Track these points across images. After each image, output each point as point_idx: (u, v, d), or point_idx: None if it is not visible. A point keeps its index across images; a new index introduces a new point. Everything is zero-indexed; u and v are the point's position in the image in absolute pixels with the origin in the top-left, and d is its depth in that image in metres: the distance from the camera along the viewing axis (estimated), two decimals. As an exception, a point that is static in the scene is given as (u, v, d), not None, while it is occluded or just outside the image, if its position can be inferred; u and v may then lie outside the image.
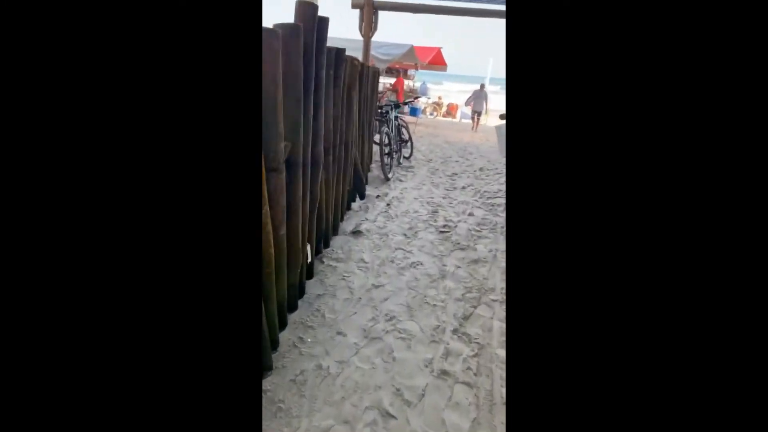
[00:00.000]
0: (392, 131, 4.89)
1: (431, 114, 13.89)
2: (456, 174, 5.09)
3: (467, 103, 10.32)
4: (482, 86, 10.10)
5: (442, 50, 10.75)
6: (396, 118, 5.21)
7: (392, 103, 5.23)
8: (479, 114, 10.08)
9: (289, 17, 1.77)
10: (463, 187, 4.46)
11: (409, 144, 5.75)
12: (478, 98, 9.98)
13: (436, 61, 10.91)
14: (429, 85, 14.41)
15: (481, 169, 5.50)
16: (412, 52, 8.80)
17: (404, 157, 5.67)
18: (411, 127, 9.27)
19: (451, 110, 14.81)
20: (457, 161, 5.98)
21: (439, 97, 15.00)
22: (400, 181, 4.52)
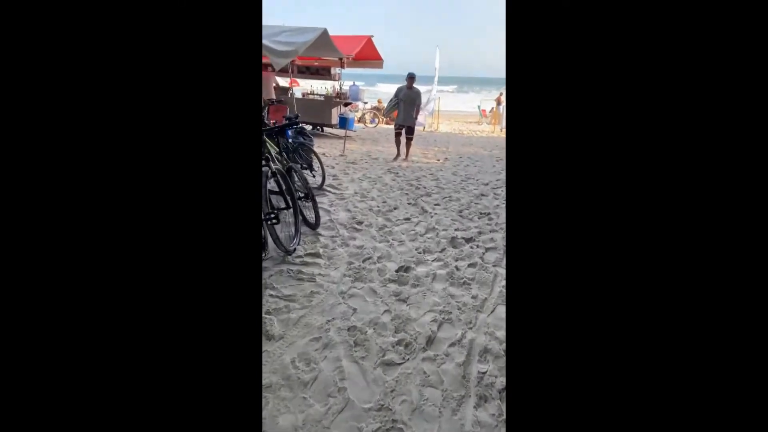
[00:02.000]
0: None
1: (372, 122, 11.26)
2: (413, 305, 2.22)
3: (387, 113, 6.40)
4: (411, 80, 5.53)
5: (374, 40, 8.12)
6: (284, 152, 2.38)
7: (274, 127, 2.39)
8: (410, 130, 5.75)
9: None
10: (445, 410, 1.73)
11: (311, 202, 2.91)
12: (407, 103, 5.56)
13: (366, 54, 8.25)
14: (362, 88, 11.73)
15: (473, 281, 2.45)
16: (327, 40, 6.08)
17: (306, 224, 2.85)
18: (337, 147, 6.24)
19: (396, 116, 12.32)
20: (413, 235, 3.13)
21: (379, 101, 12.41)
22: (270, 340, 1.70)
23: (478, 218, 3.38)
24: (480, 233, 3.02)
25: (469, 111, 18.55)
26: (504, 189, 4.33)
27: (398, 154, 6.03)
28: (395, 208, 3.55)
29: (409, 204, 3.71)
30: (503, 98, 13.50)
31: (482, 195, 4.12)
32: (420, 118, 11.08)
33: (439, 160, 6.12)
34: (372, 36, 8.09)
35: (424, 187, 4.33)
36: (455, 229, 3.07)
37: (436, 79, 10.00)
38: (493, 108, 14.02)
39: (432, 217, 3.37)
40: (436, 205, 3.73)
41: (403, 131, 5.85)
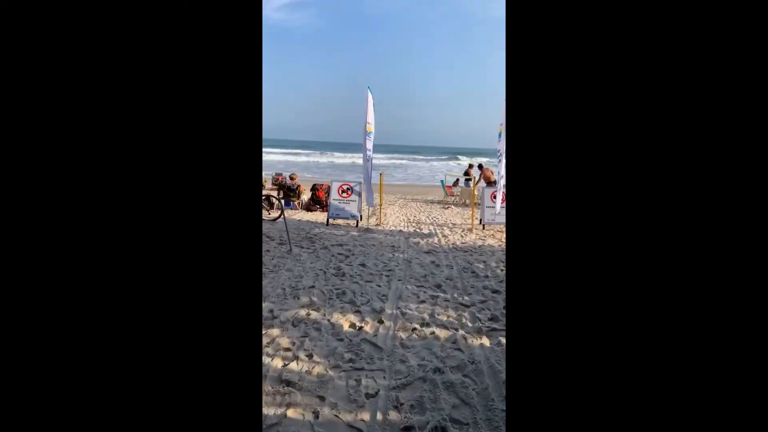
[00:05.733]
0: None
1: (287, 204, 6.97)
2: None
3: None
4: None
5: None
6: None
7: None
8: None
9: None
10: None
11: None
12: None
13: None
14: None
15: None
16: None
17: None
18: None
19: (319, 196, 8.15)
20: None
21: (293, 176, 8.25)
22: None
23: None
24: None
25: (428, 183, 15.12)
26: None
27: None
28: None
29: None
30: (474, 171, 9.97)
31: None
32: (352, 208, 6.57)
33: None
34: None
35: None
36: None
37: (370, 140, 6.01)
38: (458, 180, 10.45)
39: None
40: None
41: None
